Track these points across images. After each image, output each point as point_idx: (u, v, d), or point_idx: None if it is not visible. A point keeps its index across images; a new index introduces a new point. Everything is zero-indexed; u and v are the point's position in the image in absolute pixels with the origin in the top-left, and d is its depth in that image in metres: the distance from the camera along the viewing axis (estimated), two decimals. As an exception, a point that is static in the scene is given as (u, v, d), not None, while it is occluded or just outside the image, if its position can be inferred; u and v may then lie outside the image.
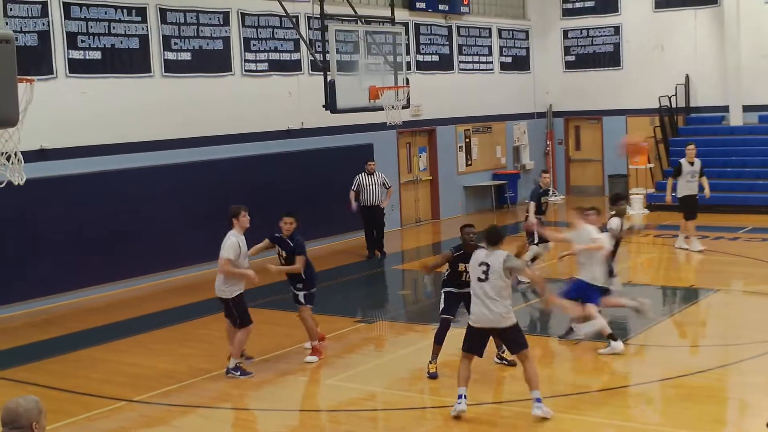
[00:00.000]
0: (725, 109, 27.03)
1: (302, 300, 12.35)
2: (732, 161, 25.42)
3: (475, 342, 10.12)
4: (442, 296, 11.59)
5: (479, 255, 10.09)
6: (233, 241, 11.54)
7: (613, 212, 13.76)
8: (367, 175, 19.84)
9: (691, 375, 11.14)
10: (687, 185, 19.05)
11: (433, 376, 11.30)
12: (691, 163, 19.05)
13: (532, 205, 16.27)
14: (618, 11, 28.65)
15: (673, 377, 11.17)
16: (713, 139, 26.73)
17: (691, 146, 19.44)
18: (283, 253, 12.30)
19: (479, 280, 9.89)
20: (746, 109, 26.69)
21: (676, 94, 27.38)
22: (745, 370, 11.42)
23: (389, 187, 20.22)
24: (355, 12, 18.95)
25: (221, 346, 12.71)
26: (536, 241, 16.07)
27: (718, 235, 20.87)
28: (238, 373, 11.64)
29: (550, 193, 18.56)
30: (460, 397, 9.91)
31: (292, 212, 12.38)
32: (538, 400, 9.76)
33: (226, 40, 19.35)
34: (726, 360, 11.85)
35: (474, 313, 10.05)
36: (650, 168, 26.84)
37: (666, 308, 15.34)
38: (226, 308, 11.86)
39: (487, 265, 9.86)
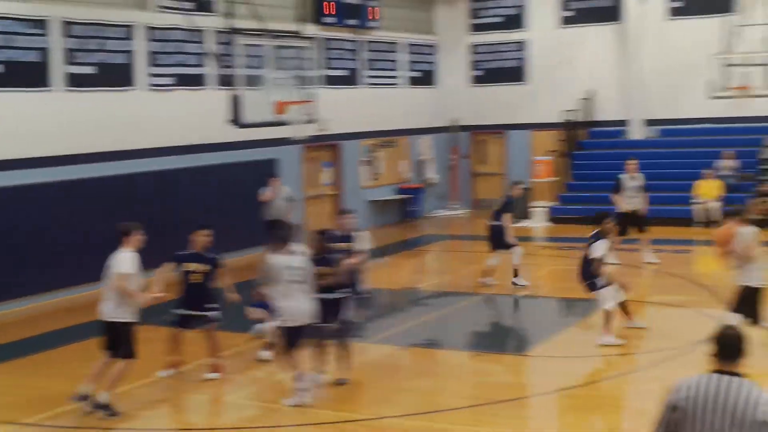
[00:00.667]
0: (627, 123, 27.68)
1: (214, 318, 12.14)
2: (633, 175, 25.95)
3: None
4: None
5: None
6: (130, 256, 10.90)
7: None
8: (272, 190, 19.87)
9: (588, 384, 11.38)
10: (628, 201, 18.91)
11: None
12: (633, 178, 18.98)
13: (509, 216, 17.10)
14: (524, 27, 29.13)
15: (570, 387, 11.38)
16: (615, 153, 27.26)
17: (632, 161, 19.22)
18: (200, 267, 11.99)
19: None
20: (649, 123, 27.37)
21: (579, 109, 27.94)
22: (641, 379, 11.70)
23: (293, 201, 20.24)
24: (263, 26, 18.92)
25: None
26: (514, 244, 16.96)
27: (618, 247, 21.26)
28: (108, 412, 10.50)
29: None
30: None
31: (207, 224, 12.24)
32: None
33: (131, 54, 19.19)
34: (622, 369, 12.12)
35: None
36: (553, 181, 27.32)
37: (565, 319, 15.64)
38: (113, 335, 10.79)
39: None
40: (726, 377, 5.31)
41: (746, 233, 12.16)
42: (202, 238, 12.07)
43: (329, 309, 11.27)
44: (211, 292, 12.14)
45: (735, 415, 5.18)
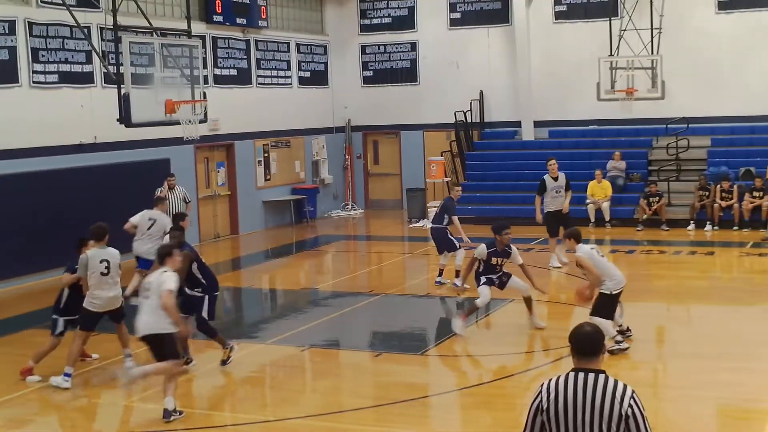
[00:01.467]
0: (518, 124, 27.99)
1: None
2: (525, 175, 26.21)
3: None
4: None
5: None
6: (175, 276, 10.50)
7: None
8: (168, 189, 19.38)
9: (488, 383, 11.37)
10: (552, 201, 18.61)
11: None
12: (555, 179, 18.62)
13: (456, 218, 17.15)
14: (414, 28, 29.21)
15: (470, 386, 11.37)
16: (507, 153, 27.61)
17: (552, 161, 18.82)
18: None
19: None
20: (537, 124, 27.71)
21: (471, 110, 28.12)
22: (539, 377, 11.72)
23: (189, 202, 19.80)
24: (150, 24, 18.46)
25: (8, 370, 12.13)
26: (458, 246, 16.91)
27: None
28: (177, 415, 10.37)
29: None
30: None
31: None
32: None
33: (12, 50, 18.50)
34: (521, 367, 12.15)
35: None
36: (446, 182, 27.42)
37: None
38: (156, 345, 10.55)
39: None
40: (587, 374, 5.32)
41: (584, 257, 12.38)
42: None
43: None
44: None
45: (602, 411, 5.21)
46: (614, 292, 12.33)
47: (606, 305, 12.29)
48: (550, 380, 5.42)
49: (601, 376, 5.30)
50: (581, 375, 5.32)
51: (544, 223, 18.89)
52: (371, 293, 16.94)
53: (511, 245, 14.11)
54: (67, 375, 11.48)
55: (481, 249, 13.99)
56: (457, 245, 16.99)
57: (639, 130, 26.68)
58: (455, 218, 17.16)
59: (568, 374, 5.36)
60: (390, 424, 10.14)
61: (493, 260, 14.00)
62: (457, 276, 16.86)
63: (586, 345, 5.40)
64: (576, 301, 12.76)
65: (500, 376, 11.60)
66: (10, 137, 18.34)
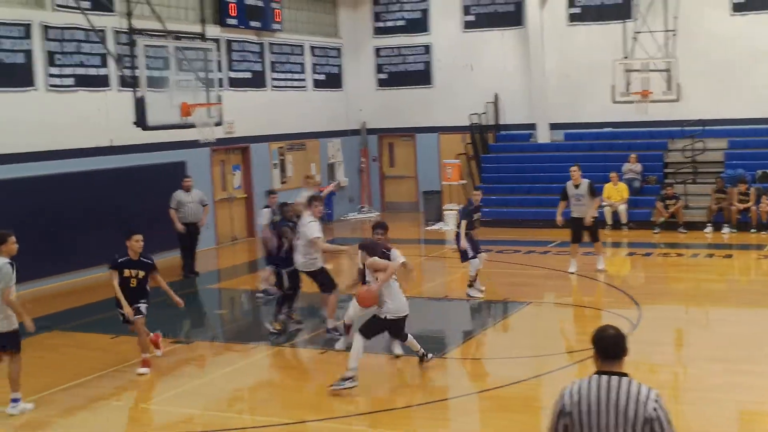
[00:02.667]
0: (533, 126, 27.93)
1: (144, 311, 12.34)
2: (540, 177, 26.23)
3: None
4: None
5: None
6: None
7: None
8: (185, 192, 19.40)
9: (507, 386, 11.32)
10: (575, 208, 18.14)
11: None
12: (576, 186, 18.08)
13: (464, 223, 16.34)
14: (428, 31, 29.20)
15: (489, 389, 11.33)
16: (522, 156, 27.56)
17: (575, 168, 18.23)
18: (140, 274, 12.23)
19: None
20: (552, 126, 27.66)
21: (486, 112, 28.08)
22: (557, 380, 11.66)
23: (206, 205, 19.83)
24: (165, 27, 18.47)
25: (28, 372, 12.13)
26: (471, 255, 16.21)
27: (529, 249, 21.44)
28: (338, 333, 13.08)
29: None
30: None
31: (137, 229, 12.39)
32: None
33: (28, 54, 18.55)
34: (539, 370, 12.09)
35: None
36: (463, 184, 27.39)
37: (480, 322, 15.60)
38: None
39: None
40: (610, 377, 5.30)
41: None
42: (138, 244, 12.27)
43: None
44: (145, 293, 12.46)
45: (626, 414, 5.19)
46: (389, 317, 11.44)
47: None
48: (573, 383, 5.39)
49: (625, 379, 5.29)
50: (605, 378, 5.30)
51: (567, 227, 18.55)
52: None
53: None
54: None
55: None
56: (469, 254, 16.41)
57: (654, 132, 26.58)
58: (463, 223, 16.59)
59: (591, 377, 5.34)
60: (407, 427, 10.13)
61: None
62: (469, 286, 16.63)
63: (610, 348, 5.38)
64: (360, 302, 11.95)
65: (518, 379, 11.54)
66: (26, 140, 18.38)
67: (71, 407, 11.21)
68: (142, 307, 12.32)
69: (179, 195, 19.31)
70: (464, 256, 16.38)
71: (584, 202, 18.01)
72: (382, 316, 11.34)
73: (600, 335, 5.42)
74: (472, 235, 16.57)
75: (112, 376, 12.23)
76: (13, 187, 18.02)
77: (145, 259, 12.30)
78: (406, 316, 11.56)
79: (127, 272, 12.21)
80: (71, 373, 12.16)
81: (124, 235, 12.38)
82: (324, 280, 13.97)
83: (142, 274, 12.25)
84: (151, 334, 12.89)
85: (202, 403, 11.16)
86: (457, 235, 16.48)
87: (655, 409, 5.19)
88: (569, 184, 18.21)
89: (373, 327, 11.41)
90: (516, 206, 25.60)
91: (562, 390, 5.40)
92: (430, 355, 12.03)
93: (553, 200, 23.80)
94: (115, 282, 12.23)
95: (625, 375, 5.31)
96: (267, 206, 17.08)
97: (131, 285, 12.24)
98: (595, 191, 18.24)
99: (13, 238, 10.77)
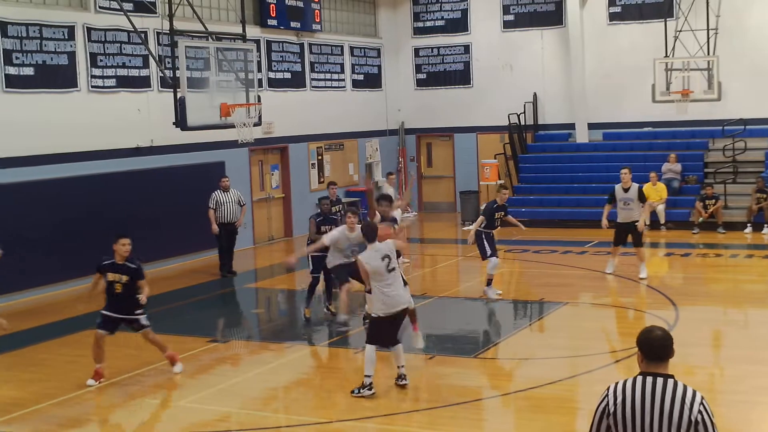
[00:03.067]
0: (572, 126, 27.83)
1: (146, 322, 12.10)
2: (578, 177, 26.14)
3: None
4: None
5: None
6: None
7: None
8: (223, 192, 19.54)
9: (542, 386, 11.32)
10: (621, 212, 17.62)
11: None
12: (626, 189, 17.51)
13: (481, 219, 16.49)
14: (468, 31, 29.19)
15: (524, 389, 11.32)
16: (560, 156, 27.48)
17: (625, 170, 17.67)
18: (123, 279, 11.84)
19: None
20: (591, 126, 27.53)
21: (524, 112, 28.03)
22: (594, 380, 11.65)
23: (243, 205, 19.97)
24: (206, 28, 18.67)
25: (66, 371, 12.32)
26: (489, 253, 16.22)
27: (566, 249, 21.38)
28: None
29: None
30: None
31: (125, 233, 12.06)
32: None
33: (72, 55, 18.79)
34: (575, 371, 12.08)
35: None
36: (501, 184, 27.31)
37: (517, 322, 15.61)
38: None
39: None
40: (656, 378, 5.24)
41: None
42: (124, 248, 11.90)
43: None
44: (137, 303, 11.96)
45: (671, 416, 5.14)
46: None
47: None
48: (617, 383, 5.34)
49: (671, 381, 5.22)
50: (650, 379, 5.24)
51: (611, 228, 17.98)
52: (425, 296, 16.95)
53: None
54: None
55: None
56: (488, 253, 16.28)
57: (695, 131, 26.39)
58: (480, 218, 16.54)
59: (636, 378, 5.28)
60: (442, 426, 10.13)
61: None
62: (487, 285, 16.57)
63: (657, 349, 5.29)
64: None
65: (553, 379, 11.54)
66: (68, 141, 18.62)
67: (108, 405, 11.35)
68: (142, 319, 12.01)
69: (217, 195, 19.46)
70: (483, 254, 16.37)
71: (632, 206, 17.45)
72: (375, 316, 11.18)
73: (646, 336, 5.34)
74: (492, 235, 16.56)
75: (149, 375, 12.36)
76: (56, 187, 18.26)
77: (130, 264, 11.88)
78: (402, 310, 11.25)
79: (110, 276, 11.86)
80: (108, 372, 12.29)
81: (113, 239, 12.08)
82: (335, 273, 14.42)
83: (125, 278, 11.80)
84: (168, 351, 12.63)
85: (238, 402, 11.26)
86: (478, 232, 16.42)
87: (700, 413, 5.13)
88: (618, 187, 17.61)
89: (374, 331, 11.23)
90: (554, 206, 25.54)
91: (605, 390, 5.36)
92: (405, 381, 11.34)
93: (593, 200, 23.89)
94: (98, 284, 12.06)
95: (671, 377, 5.25)
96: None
97: (116, 291, 11.83)
98: (642, 196, 17.68)
99: None
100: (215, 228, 19.34)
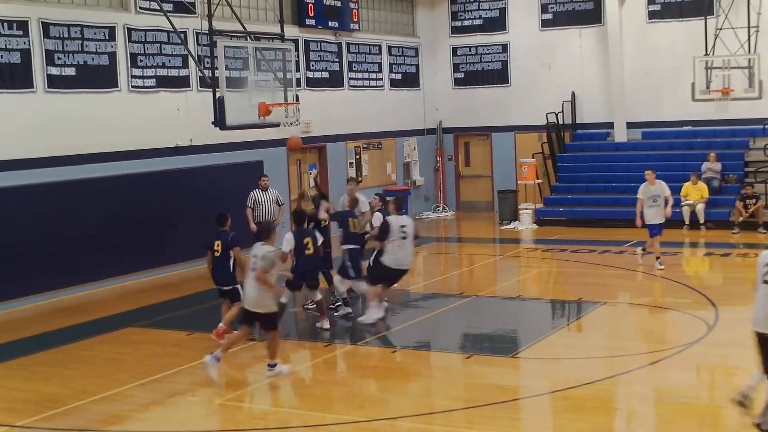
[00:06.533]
0: (610, 125, 27.67)
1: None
2: (617, 176, 25.99)
3: None
4: None
5: None
6: None
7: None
8: (261, 191, 19.61)
9: (580, 386, 11.28)
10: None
11: None
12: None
13: None
14: (506, 29, 29.12)
15: (562, 389, 11.28)
16: (599, 155, 27.34)
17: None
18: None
19: None
20: (630, 125, 27.37)
21: (562, 111, 27.92)
22: (632, 381, 11.62)
23: (282, 204, 20.01)
24: (245, 28, 18.77)
25: (107, 368, 12.45)
26: None
27: (605, 248, 21.28)
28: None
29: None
30: None
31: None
32: None
33: (112, 56, 18.97)
34: (613, 371, 12.03)
35: None
36: (539, 183, 27.29)
37: (555, 321, 15.57)
38: None
39: None
40: None
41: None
42: None
43: None
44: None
45: None
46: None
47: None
48: None
49: None
50: None
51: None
52: (462, 295, 16.95)
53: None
54: None
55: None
56: None
57: (735, 130, 26.16)
58: None
59: None
60: (480, 426, 10.13)
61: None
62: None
63: None
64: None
65: (592, 379, 11.50)
66: (110, 140, 18.82)
67: (148, 402, 11.44)
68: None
69: (256, 194, 19.53)
70: None
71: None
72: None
73: None
74: None
75: (188, 372, 12.45)
76: (98, 186, 18.44)
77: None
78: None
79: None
80: (148, 369, 12.43)
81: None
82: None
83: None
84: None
85: (277, 400, 11.33)
86: None
87: None
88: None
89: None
90: (592, 205, 25.41)
91: None
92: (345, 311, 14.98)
93: (631, 200, 23.61)
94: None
95: None
96: None
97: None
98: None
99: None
100: (253, 227, 19.41)
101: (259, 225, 16.50)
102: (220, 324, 13.58)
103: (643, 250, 18.99)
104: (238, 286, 13.31)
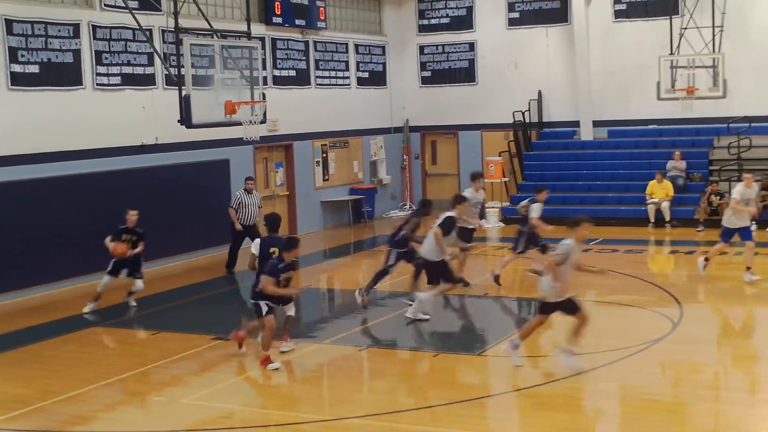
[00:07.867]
0: (576, 124, 27.82)
1: None
2: (583, 175, 26.13)
3: None
4: None
5: None
6: None
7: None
8: (247, 193, 19.56)
9: (546, 384, 11.33)
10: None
11: None
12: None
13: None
14: (473, 28, 29.17)
15: (528, 387, 11.32)
16: (565, 153, 27.46)
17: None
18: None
19: None
20: (596, 124, 27.52)
21: (529, 110, 28.02)
22: (598, 378, 11.68)
23: (261, 207, 19.94)
24: (211, 26, 18.67)
25: (71, 368, 12.34)
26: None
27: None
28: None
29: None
30: None
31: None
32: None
33: (77, 53, 18.82)
34: (579, 368, 12.07)
35: None
36: (505, 182, 27.37)
37: (520, 319, 15.59)
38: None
39: None
40: None
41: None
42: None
43: None
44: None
45: None
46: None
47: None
48: None
49: None
50: None
51: None
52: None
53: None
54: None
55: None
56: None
57: (700, 129, 26.37)
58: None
59: None
60: (447, 424, 10.13)
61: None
62: None
63: None
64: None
65: (557, 377, 11.54)
66: (74, 138, 18.66)
67: (113, 402, 11.37)
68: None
69: (242, 196, 19.49)
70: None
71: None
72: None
73: None
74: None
75: (154, 372, 12.40)
76: (62, 185, 18.29)
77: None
78: None
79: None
80: (113, 369, 12.34)
81: None
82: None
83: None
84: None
85: (243, 399, 11.29)
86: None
87: None
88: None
89: None
90: (558, 204, 25.46)
91: None
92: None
93: (597, 198, 23.92)
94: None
95: None
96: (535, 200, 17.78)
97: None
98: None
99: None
100: (239, 226, 19.38)
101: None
102: (241, 330, 13.29)
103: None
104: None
